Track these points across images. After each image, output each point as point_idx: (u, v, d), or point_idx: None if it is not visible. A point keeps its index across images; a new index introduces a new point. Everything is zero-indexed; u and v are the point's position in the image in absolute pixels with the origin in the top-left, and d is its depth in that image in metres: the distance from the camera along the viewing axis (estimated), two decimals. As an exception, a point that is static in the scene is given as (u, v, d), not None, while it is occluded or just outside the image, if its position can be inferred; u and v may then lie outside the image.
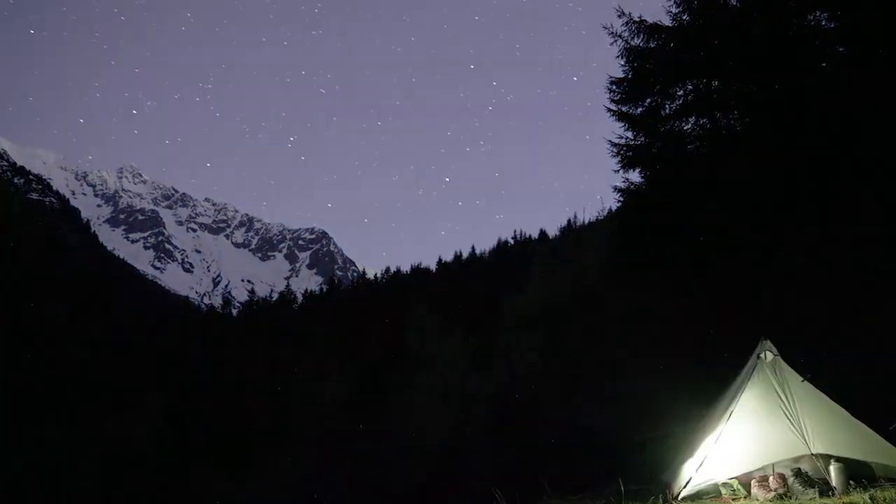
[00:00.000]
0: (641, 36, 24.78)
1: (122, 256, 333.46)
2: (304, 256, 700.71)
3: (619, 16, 24.87)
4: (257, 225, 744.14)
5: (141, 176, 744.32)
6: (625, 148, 25.19)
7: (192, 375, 70.05)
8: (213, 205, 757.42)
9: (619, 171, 25.28)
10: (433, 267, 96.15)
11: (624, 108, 25.30)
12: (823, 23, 22.31)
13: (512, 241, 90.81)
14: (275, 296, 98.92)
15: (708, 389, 16.18)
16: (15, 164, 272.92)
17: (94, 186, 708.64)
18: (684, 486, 13.38)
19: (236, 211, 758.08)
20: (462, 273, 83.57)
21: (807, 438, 13.49)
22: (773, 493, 13.34)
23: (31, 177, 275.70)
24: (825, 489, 13.09)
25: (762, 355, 14.22)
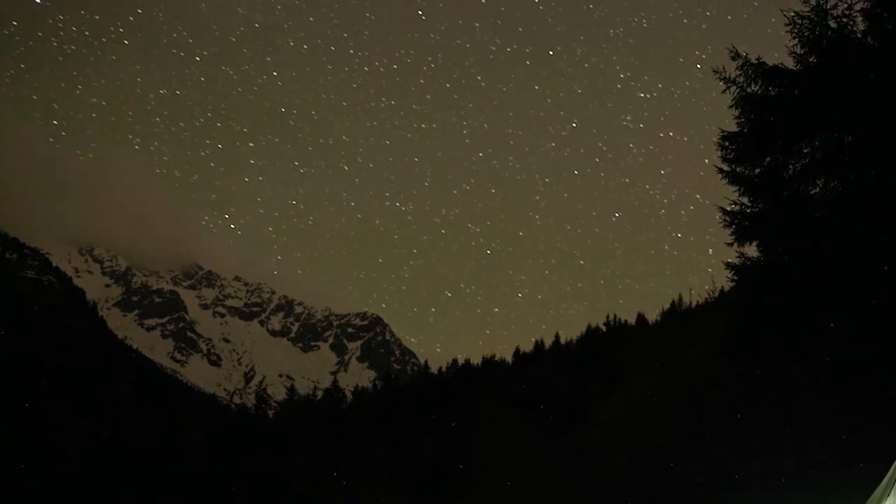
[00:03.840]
0: (759, 82, 24.20)
1: (135, 346, 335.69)
2: (353, 347, 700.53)
3: (733, 57, 24.33)
4: (298, 309, 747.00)
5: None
6: (740, 216, 24.70)
7: (218, 491, 70.42)
8: (245, 285, 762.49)
9: (732, 244, 24.89)
10: (509, 359, 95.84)
11: (739, 169, 24.79)
12: None
13: (604, 329, 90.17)
14: (319, 394, 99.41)
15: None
16: (6, 235, 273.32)
17: (101, 262, 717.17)
18: None
19: (273, 292, 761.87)
20: (543, 366, 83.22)
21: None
22: None
23: (25, 251, 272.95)
24: None
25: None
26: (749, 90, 24.41)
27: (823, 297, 22.31)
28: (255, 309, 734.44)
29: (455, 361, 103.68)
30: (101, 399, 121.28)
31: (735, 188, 24.93)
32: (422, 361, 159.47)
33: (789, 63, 24.16)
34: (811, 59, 23.84)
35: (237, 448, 79.67)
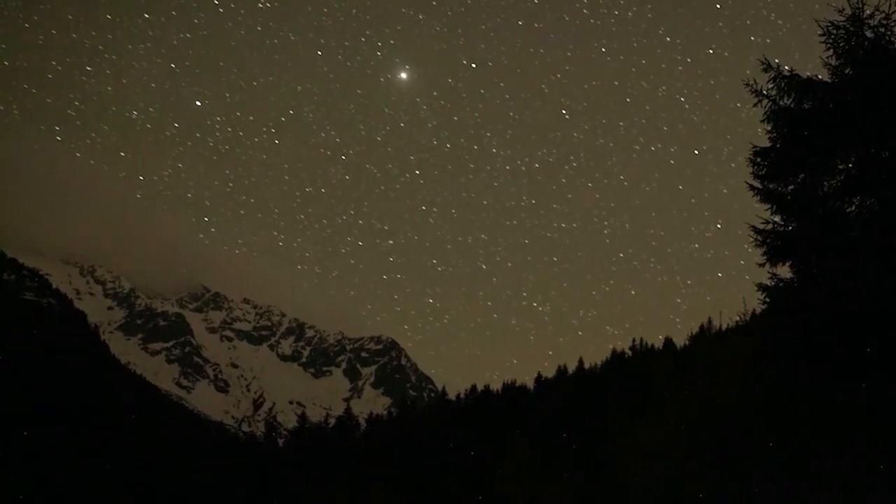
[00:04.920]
0: (793, 95, 23.97)
1: (139, 372, 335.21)
2: (368, 372, 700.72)
3: (765, 69, 24.19)
4: (309, 333, 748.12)
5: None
6: (772, 235, 24.40)
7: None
8: (254, 307, 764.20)
9: (764, 264, 24.59)
10: (531, 385, 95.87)
11: (771, 186, 24.58)
12: None
13: (630, 353, 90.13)
14: (331, 421, 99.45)
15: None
16: (4, 255, 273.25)
17: (103, 284, 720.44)
18: None
19: (283, 315, 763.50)
20: (567, 393, 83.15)
21: None
22: None
23: (24, 272, 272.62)
24: None
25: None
26: (782, 103, 24.21)
27: (861, 319, 22.15)
28: (264, 332, 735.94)
29: (474, 388, 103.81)
30: (102, 428, 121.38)
31: (767, 206, 24.67)
32: (439, 387, 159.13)
33: (824, 75, 23.95)
34: (847, 71, 23.61)
35: (246, 478, 79.73)
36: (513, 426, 70.36)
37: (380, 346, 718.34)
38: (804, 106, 24.07)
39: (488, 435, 72.20)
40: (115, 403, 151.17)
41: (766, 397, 27.19)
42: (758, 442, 29.85)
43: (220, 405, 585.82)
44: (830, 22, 23.38)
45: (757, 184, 24.91)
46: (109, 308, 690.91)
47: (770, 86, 24.28)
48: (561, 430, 65.84)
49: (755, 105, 24.61)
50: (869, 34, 22.97)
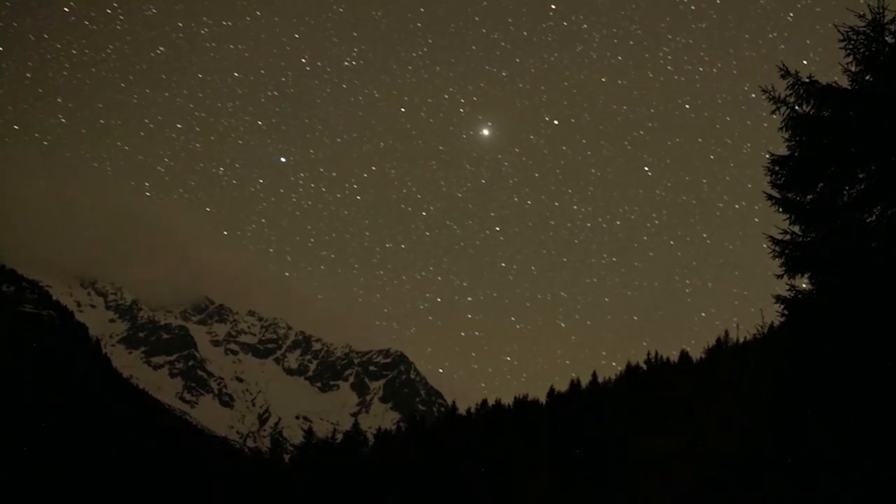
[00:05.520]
0: (812, 102, 23.81)
1: (141, 386, 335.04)
2: (376, 386, 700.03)
3: (783, 76, 24.00)
4: (316, 346, 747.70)
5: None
6: (790, 246, 24.32)
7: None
8: (260, 320, 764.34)
9: (782, 275, 24.52)
10: (543, 399, 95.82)
11: (789, 195, 24.53)
12: None
13: (644, 367, 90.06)
14: (339, 437, 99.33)
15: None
16: (3, 266, 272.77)
17: (104, 296, 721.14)
18: None
19: (289, 328, 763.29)
20: (580, 407, 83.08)
21: None
22: None
23: (23, 283, 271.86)
24: None
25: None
26: (800, 110, 24.11)
27: (882, 333, 22.06)
28: (270, 346, 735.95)
29: (485, 402, 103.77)
30: (104, 443, 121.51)
31: (786, 216, 24.65)
32: (449, 402, 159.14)
33: (843, 81, 23.81)
34: (867, 77, 23.53)
35: (251, 495, 79.74)
36: (525, 441, 70.34)
37: (388, 360, 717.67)
38: (823, 113, 23.91)
39: (500, 451, 72.14)
40: (117, 418, 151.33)
41: (784, 413, 27.14)
42: (774, 458, 29.80)
43: (224, 420, 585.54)
44: (850, 27, 23.24)
45: (775, 193, 24.83)
46: (111, 320, 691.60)
47: (788, 92, 24.12)
48: (574, 445, 65.80)
49: (773, 112, 24.45)
50: (889, 40, 22.87)
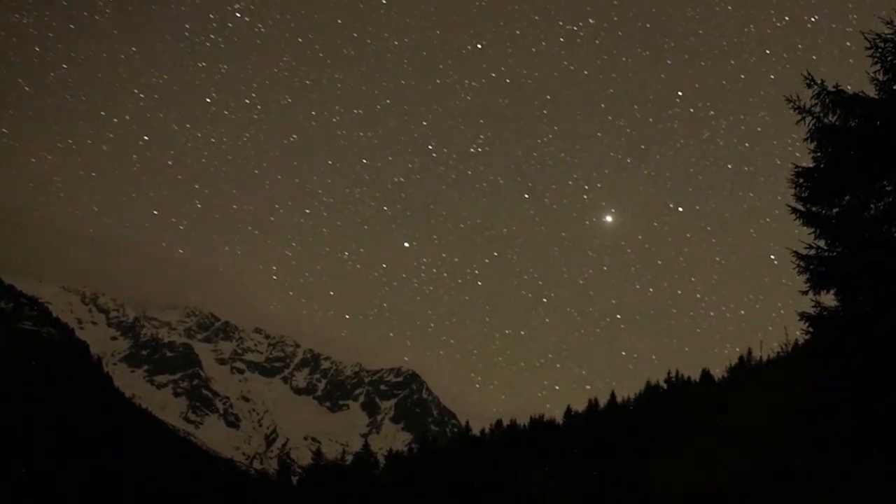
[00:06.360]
0: (838, 112, 23.68)
1: (144, 406, 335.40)
2: (387, 406, 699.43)
3: (809, 85, 23.91)
4: (325, 364, 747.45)
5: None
6: (816, 261, 24.10)
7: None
8: (267, 337, 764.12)
9: (807, 291, 24.28)
10: (559, 419, 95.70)
11: (815, 208, 24.35)
12: None
13: (665, 386, 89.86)
14: (348, 458, 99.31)
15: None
16: (1, 282, 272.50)
17: (106, 313, 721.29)
18: None
19: (297, 345, 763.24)
20: (598, 428, 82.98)
21: None
22: None
23: (22, 299, 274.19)
24: None
25: None
26: (826, 121, 23.93)
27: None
28: (277, 364, 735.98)
29: (500, 422, 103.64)
30: (106, 465, 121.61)
31: (811, 230, 24.44)
32: (462, 422, 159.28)
33: (871, 91, 23.65)
34: (895, 87, 23.38)
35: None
36: (541, 463, 70.20)
37: (400, 379, 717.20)
38: (850, 123, 23.75)
39: (515, 473, 71.98)
40: (120, 439, 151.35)
41: (810, 434, 26.98)
42: (801, 482, 29.70)
43: (230, 441, 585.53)
44: (878, 35, 23.16)
45: (800, 206, 24.65)
46: (113, 338, 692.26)
47: (814, 102, 24.00)
48: (592, 467, 65.64)
49: (798, 122, 24.30)
50: (919, 47, 22.83)
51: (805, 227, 24.56)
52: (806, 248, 24.42)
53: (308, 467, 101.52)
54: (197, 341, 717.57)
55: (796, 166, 24.62)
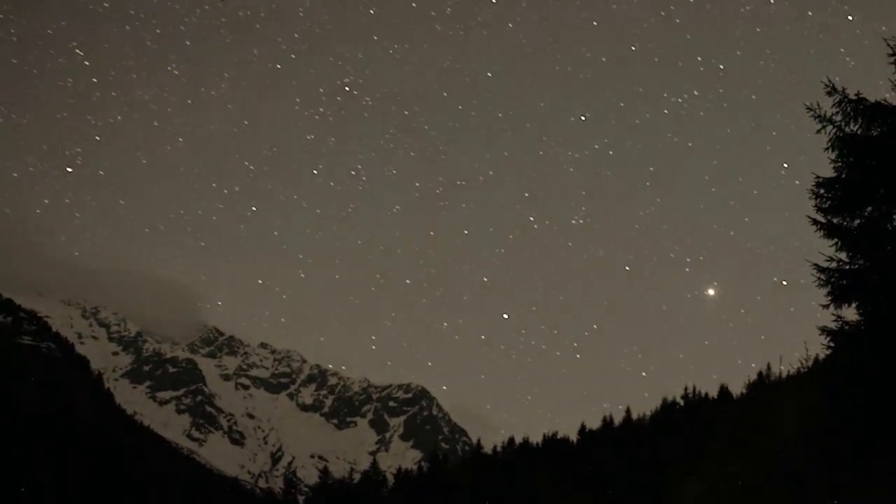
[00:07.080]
0: (860, 120, 23.55)
1: (146, 423, 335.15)
2: (396, 423, 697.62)
3: (829, 93, 23.71)
4: (332, 380, 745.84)
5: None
6: (837, 274, 24.00)
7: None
8: (273, 352, 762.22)
9: (828, 305, 24.13)
10: (573, 437, 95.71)
11: (835, 220, 24.22)
12: None
13: (682, 403, 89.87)
14: (356, 476, 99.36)
15: None
16: (0, 295, 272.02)
17: (107, 327, 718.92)
18: None
19: (303, 361, 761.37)
20: (613, 445, 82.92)
21: None
22: None
23: (21, 313, 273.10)
24: None
25: None
26: (848, 130, 23.82)
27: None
28: (283, 380, 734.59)
29: (512, 440, 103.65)
30: (107, 483, 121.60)
31: (831, 242, 24.30)
32: (474, 440, 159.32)
33: (894, 99, 23.51)
34: (919, 94, 23.01)
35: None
36: (554, 481, 70.19)
37: (409, 395, 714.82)
38: (872, 132, 23.64)
39: (527, 489, 72.02)
40: (121, 457, 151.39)
41: (832, 450, 26.92)
42: (823, 499, 29.65)
43: (235, 459, 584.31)
44: (902, 40, 22.90)
45: (820, 217, 24.54)
46: (114, 353, 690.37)
47: (835, 110, 23.88)
48: (607, 486, 65.63)
49: (818, 131, 24.19)
50: (944, 53, 22.77)
51: (826, 239, 24.42)
52: (826, 260, 24.33)
53: (315, 486, 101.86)
54: (201, 356, 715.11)
55: (817, 177, 24.49)
